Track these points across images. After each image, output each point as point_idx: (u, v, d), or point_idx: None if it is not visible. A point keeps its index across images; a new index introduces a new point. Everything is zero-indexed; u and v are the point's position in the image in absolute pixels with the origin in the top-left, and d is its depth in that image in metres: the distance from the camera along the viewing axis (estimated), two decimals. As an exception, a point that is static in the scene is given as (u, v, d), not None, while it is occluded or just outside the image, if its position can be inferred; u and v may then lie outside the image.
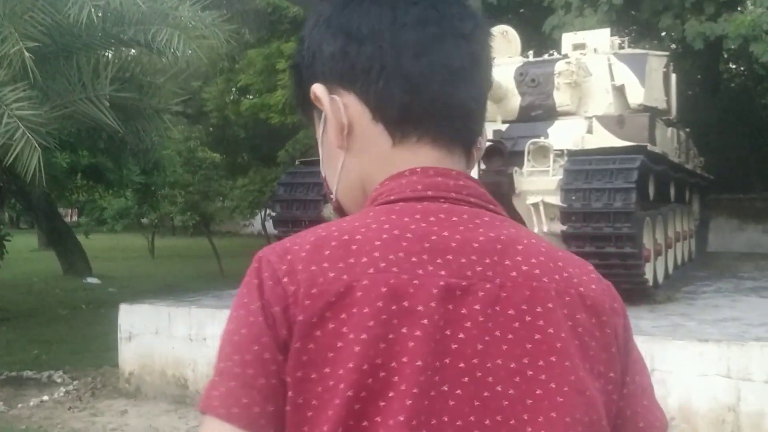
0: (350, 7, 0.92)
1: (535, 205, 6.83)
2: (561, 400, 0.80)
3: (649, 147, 7.06)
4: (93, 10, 6.09)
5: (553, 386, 0.80)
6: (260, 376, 0.80)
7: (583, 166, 6.72)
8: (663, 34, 13.25)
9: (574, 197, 6.59)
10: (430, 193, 0.89)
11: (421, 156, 0.91)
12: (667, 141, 8.47)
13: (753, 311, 6.68)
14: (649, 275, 7.34)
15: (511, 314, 0.81)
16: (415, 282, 0.80)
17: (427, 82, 0.89)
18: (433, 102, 0.90)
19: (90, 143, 8.97)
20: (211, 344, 6.91)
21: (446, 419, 0.77)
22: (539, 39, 12.71)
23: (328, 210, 7.83)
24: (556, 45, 10.08)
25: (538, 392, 0.80)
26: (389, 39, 0.90)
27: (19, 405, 6.84)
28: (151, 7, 7.08)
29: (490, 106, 8.14)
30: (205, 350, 6.94)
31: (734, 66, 18.37)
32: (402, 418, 0.76)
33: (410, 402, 0.76)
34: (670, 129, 8.74)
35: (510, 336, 0.81)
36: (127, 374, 7.34)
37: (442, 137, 0.92)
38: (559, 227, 6.74)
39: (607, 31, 9.18)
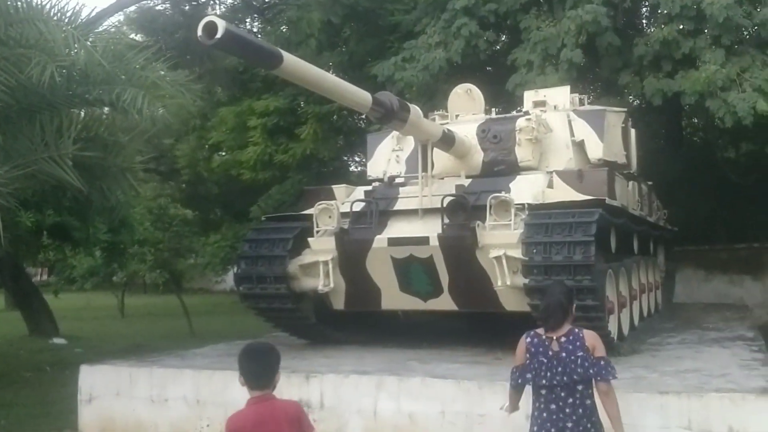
0: None
1: (498, 259, 6.88)
2: None
3: (608, 200, 7.18)
4: (56, 70, 6.14)
5: None
6: None
7: (543, 220, 6.81)
8: (625, 91, 13.60)
9: (535, 250, 6.66)
10: None
11: None
12: (628, 194, 8.63)
13: (714, 362, 6.74)
14: (613, 327, 7.39)
15: None
16: None
17: None
18: None
19: (55, 202, 8.90)
20: (173, 406, 6.80)
21: None
22: (504, 97, 13.01)
23: (293, 266, 7.83)
24: (520, 102, 10.32)
25: None
26: None
27: (-27, 472, 6.62)
28: (116, 67, 7.16)
29: (454, 162, 8.32)
30: (167, 412, 6.82)
31: (695, 120, 18.86)
32: None
33: None
34: (630, 182, 8.91)
35: None
36: (87, 438, 7.17)
37: None
38: (521, 280, 6.79)
39: (567, 88, 9.43)
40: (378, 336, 8.65)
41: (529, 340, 4.57)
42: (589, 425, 4.40)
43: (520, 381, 4.59)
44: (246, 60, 6.78)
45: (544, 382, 4.42)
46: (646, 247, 10.24)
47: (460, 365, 6.81)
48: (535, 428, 4.48)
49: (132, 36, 16.53)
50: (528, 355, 4.51)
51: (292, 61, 5.46)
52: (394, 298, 7.80)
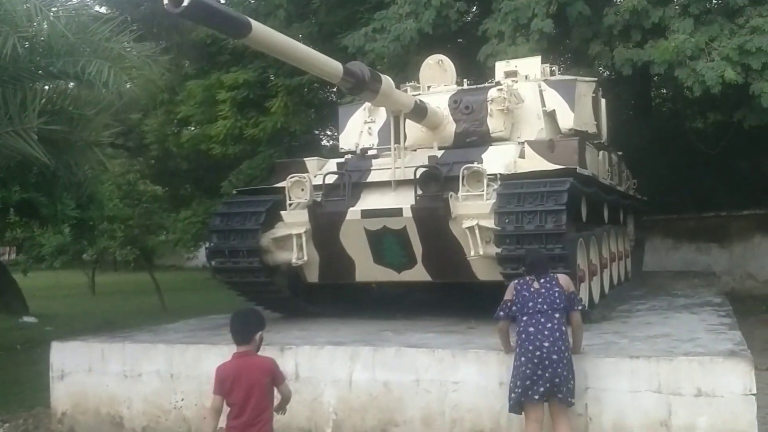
0: None
1: (471, 229, 6.91)
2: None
3: (579, 169, 7.22)
4: (18, 42, 5.98)
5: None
6: None
7: (515, 190, 6.84)
8: (596, 61, 13.63)
9: (507, 220, 6.70)
10: None
11: None
12: (598, 163, 8.69)
13: (683, 327, 6.86)
14: (584, 295, 7.48)
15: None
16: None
17: None
18: None
19: (21, 178, 8.72)
20: (146, 380, 6.77)
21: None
22: (476, 68, 12.98)
23: (266, 239, 7.79)
24: (491, 73, 10.30)
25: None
26: None
27: (-56, 451, 6.55)
28: (81, 39, 7.00)
29: (427, 133, 8.30)
30: (140, 386, 6.79)
31: (664, 91, 19.02)
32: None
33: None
34: (601, 152, 8.97)
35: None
36: (60, 414, 7.10)
37: None
38: (494, 250, 6.83)
39: (537, 58, 9.42)
40: (352, 308, 8.67)
41: (516, 282, 5.50)
42: (563, 347, 5.16)
43: (509, 312, 5.43)
44: (214, 29, 6.66)
45: (527, 309, 5.26)
46: (616, 216, 10.35)
47: (434, 335, 6.86)
48: (517, 349, 5.23)
49: (96, 8, 16.15)
50: (515, 293, 5.39)
51: (261, 29, 5.38)
52: (368, 270, 7.80)
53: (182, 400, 6.61)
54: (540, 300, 5.28)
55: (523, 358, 5.17)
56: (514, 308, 5.35)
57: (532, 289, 5.34)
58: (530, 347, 5.14)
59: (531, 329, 5.20)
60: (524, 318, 5.27)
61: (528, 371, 5.12)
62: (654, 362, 5.37)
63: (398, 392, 5.99)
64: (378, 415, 6.04)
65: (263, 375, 4.48)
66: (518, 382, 5.16)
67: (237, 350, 4.54)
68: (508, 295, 5.45)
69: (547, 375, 5.08)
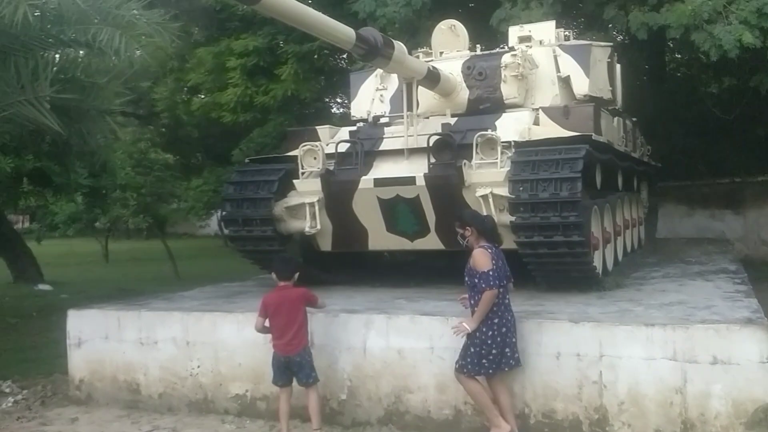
0: None
1: (485, 197, 6.86)
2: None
3: (594, 136, 7.14)
4: (28, 9, 5.93)
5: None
6: None
7: (529, 157, 6.77)
8: (610, 26, 13.41)
9: (521, 188, 6.64)
10: None
11: None
12: (613, 130, 8.59)
13: (698, 294, 6.83)
14: (598, 263, 7.46)
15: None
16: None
17: None
18: None
19: (34, 147, 8.76)
20: (162, 347, 6.83)
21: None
22: (489, 33, 12.81)
23: (278, 208, 7.79)
24: (504, 38, 10.16)
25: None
26: None
27: (-35, 417, 6.66)
28: (91, 6, 6.93)
29: (440, 100, 8.22)
30: (156, 354, 6.85)
31: (679, 56, 18.73)
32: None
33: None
34: (615, 118, 8.86)
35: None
36: (78, 381, 7.20)
37: None
38: (508, 218, 6.78)
39: (552, 23, 9.28)
40: (365, 276, 8.69)
41: (491, 251, 5.49)
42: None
43: (499, 281, 5.38)
44: (225, -4, 6.55)
45: (504, 279, 5.46)
46: (630, 182, 10.28)
47: (448, 303, 6.85)
48: (496, 320, 5.38)
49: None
50: (493, 263, 5.39)
51: (273, -5, 5.30)
52: (381, 239, 7.79)
53: (198, 366, 6.68)
54: (506, 270, 5.51)
55: (504, 329, 5.41)
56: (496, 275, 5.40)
57: (501, 261, 5.49)
58: (510, 317, 5.47)
59: (508, 300, 5.51)
60: (502, 289, 5.43)
61: (509, 340, 5.42)
62: (670, 330, 5.36)
63: (412, 359, 6.02)
64: (392, 381, 6.08)
65: (299, 301, 5.84)
66: (493, 351, 5.37)
67: (279, 284, 5.87)
68: (489, 262, 5.38)
69: (515, 341, 5.51)
